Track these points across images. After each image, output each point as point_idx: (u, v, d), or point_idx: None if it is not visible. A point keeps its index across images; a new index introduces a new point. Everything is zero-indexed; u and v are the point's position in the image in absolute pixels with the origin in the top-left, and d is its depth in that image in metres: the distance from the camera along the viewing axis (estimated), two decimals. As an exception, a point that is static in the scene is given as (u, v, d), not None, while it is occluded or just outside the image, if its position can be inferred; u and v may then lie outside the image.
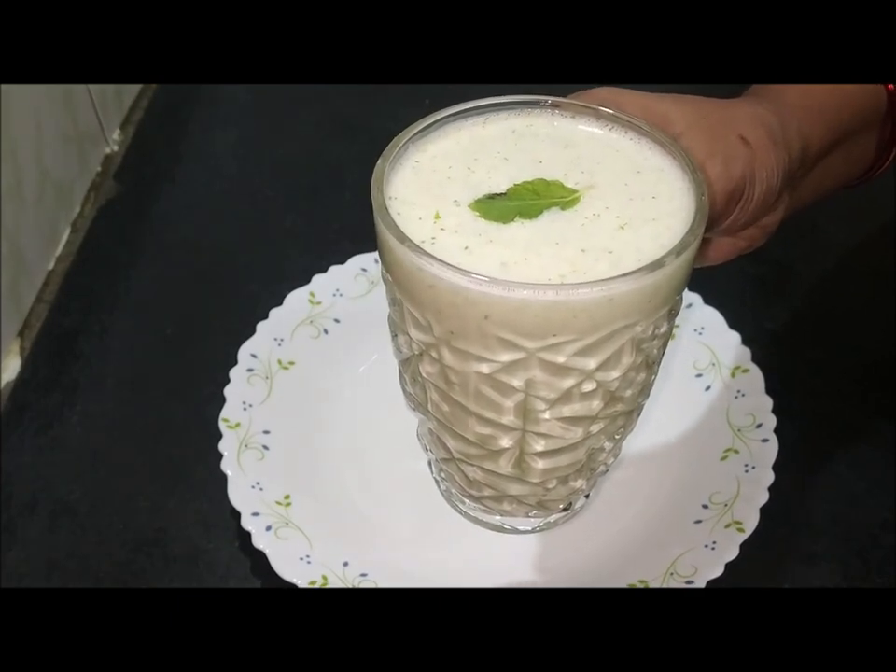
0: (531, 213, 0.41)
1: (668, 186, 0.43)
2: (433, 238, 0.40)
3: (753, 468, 0.53)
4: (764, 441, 0.54)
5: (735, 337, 0.59)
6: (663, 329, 0.42)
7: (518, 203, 0.41)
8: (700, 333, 0.60)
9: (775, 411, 0.55)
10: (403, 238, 0.39)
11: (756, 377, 0.57)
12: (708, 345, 0.59)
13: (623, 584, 0.49)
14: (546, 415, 0.42)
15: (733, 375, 0.57)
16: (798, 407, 0.57)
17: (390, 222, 0.40)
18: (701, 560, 0.49)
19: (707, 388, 0.58)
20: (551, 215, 0.41)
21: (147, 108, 0.79)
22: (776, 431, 0.54)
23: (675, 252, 0.39)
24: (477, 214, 0.41)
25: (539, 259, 0.39)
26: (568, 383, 0.41)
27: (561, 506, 0.51)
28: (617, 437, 0.46)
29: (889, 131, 0.51)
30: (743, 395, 0.56)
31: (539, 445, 0.44)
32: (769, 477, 0.52)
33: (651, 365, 0.43)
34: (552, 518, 0.52)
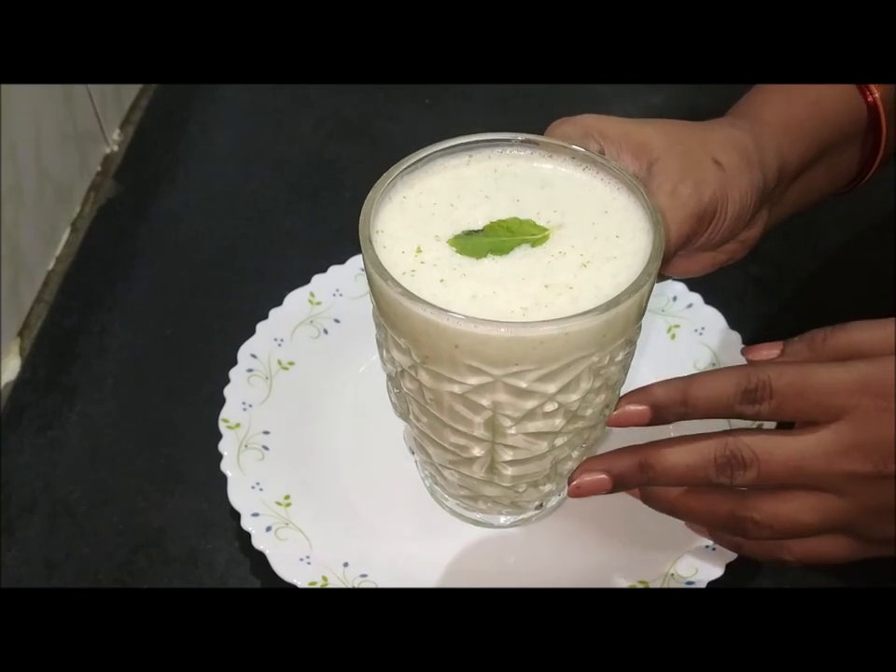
0: (502, 250, 0.44)
1: (631, 225, 0.45)
2: (413, 270, 0.43)
3: (753, 468, 0.53)
4: (764, 441, 0.54)
5: (736, 337, 0.59)
6: (619, 357, 0.44)
7: (492, 239, 0.44)
8: (700, 333, 0.60)
9: (775, 411, 0.55)
10: (382, 271, 0.42)
11: (756, 377, 0.57)
12: (708, 345, 0.59)
13: (623, 584, 0.49)
14: (512, 431, 0.45)
15: (733, 375, 0.57)
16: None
17: (372, 255, 0.43)
18: (701, 560, 0.49)
19: (708, 388, 0.57)
20: (521, 251, 0.44)
21: (146, 108, 0.80)
22: (776, 431, 0.54)
23: (628, 292, 0.41)
24: (454, 249, 0.44)
25: (506, 293, 0.42)
26: (531, 404, 0.43)
27: (533, 505, 0.52)
28: (584, 446, 0.48)
29: (871, 143, 0.52)
30: (743, 395, 0.56)
31: (508, 455, 0.46)
32: (769, 477, 0.52)
33: (611, 386, 0.46)
34: (525, 515, 0.53)
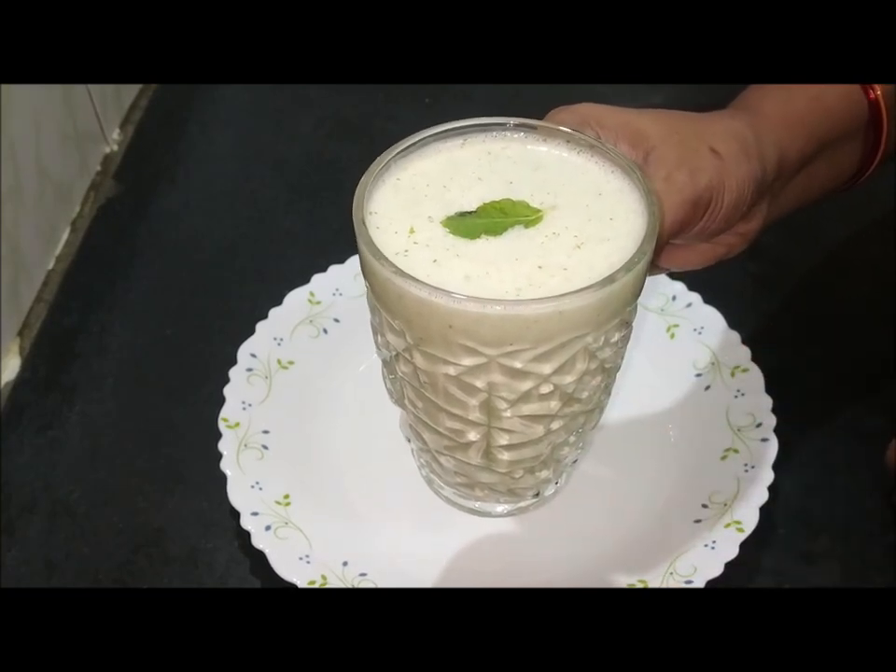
0: (496, 230, 0.44)
1: (625, 208, 0.45)
2: (406, 251, 0.43)
3: (753, 467, 0.53)
4: (764, 440, 0.54)
5: (735, 336, 0.59)
6: (615, 339, 0.44)
7: (485, 220, 0.44)
8: (700, 333, 0.60)
9: (774, 410, 0.55)
10: (376, 251, 0.42)
11: (756, 376, 0.57)
12: (708, 345, 0.59)
13: (622, 583, 0.49)
14: (508, 413, 0.45)
15: (732, 375, 0.57)
16: (798, 406, 0.57)
17: (366, 236, 0.43)
18: (701, 560, 0.49)
19: (707, 388, 0.57)
20: (514, 232, 0.44)
21: (146, 108, 0.79)
22: (775, 431, 0.54)
23: (623, 270, 0.41)
24: (447, 230, 0.44)
25: (500, 273, 0.42)
26: (526, 385, 0.43)
27: (531, 493, 0.52)
28: (580, 432, 0.48)
29: (872, 139, 0.51)
30: (743, 394, 0.56)
31: (504, 440, 0.46)
32: (769, 476, 0.52)
33: (607, 369, 0.46)
34: (522, 504, 0.53)
